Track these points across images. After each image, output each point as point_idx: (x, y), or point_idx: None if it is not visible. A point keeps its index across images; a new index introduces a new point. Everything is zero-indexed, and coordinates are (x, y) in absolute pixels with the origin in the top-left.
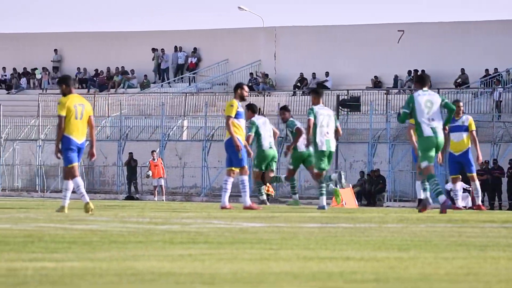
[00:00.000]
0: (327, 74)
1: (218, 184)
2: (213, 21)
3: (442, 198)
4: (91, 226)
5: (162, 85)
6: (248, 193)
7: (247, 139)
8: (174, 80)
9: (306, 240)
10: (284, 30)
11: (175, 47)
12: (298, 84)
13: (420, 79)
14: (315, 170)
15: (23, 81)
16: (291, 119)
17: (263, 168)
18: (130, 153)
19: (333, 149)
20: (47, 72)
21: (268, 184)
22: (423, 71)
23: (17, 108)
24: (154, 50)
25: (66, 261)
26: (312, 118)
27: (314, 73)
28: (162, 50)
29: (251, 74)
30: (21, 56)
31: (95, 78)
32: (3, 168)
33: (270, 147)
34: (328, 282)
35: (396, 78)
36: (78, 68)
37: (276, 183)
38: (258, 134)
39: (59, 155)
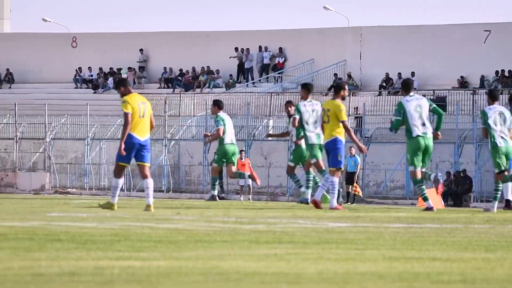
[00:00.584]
0: (412, 74)
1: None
2: (298, 21)
3: (429, 203)
4: (177, 225)
5: (247, 84)
6: (336, 194)
7: (218, 132)
8: (259, 80)
9: (392, 240)
10: (369, 30)
11: (260, 47)
12: (384, 84)
13: (405, 85)
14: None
15: (110, 80)
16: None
17: (222, 163)
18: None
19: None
20: (134, 72)
21: (355, 184)
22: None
23: (104, 108)
24: (236, 49)
25: (152, 260)
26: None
27: (399, 73)
28: (247, 49)
29: (335, 74)
30: (107, 56)
31: (180, 78)
32: (89, 167)
33: (232, 143)
34: (414, 282)
35: (482, 78)
36: (165, 68)
37: (238, 178)
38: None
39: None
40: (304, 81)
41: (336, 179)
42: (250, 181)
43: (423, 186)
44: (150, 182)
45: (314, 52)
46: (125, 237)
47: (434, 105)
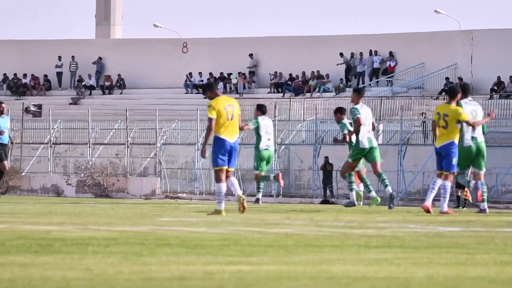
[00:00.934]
0: None
1: (414, 188)
2: (409, 24)
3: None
4: (287, 230)
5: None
6: (447, 199)
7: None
8: (370, 84)
9: (503, 245)
10: (481, 33)
11: (370, 51)
12: (495, 87)
13: (464, 90)
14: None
15: (220, 85)
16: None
17: (262, 168)
18: (326, 157)
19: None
20: (244, 77)
21: (466, 189)
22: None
23: None
24: (341, 54)
25: (261, 265)
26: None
27: (511, 77)
28: (361, 53)
29: (446, 78)
30: (217, 61)
31: (290, 83)
32: (200, 172)
33: (266, 148)
34: None
35: None
36: (275, 73)
37: (265, 182)
38: (257, 135)
39: (206, 155)
40: (414, 85)
41: (448, 184)
42: (361, 187)
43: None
44: (223, 187)
45: (425, 55)
46: (235, 242)
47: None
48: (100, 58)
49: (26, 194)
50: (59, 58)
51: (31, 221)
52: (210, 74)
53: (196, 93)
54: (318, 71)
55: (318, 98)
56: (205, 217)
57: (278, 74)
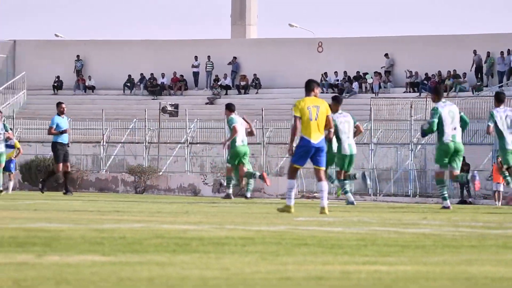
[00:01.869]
0: None
1: None
2: None
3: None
4: (424, 230)
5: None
6: None
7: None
8: (507, 84)
9: None
10: None
11: (508, 50)
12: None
13: (437, 91)
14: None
15: (355, 85)
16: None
17: (236, 163)
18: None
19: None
20: (380, 76)
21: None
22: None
23: (352, 113)
24: (474, 52)
25: (399, 265)
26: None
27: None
28: (501, 52)
29: None
30: (352, 60)
31: (426, 82)
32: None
33: (243, 144)
34: None
35: None
36: (410, 72)
37: (249, 178)
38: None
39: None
40: None
41: None
42: (501, 187)
43: (446, 186)
44: (325, 185)
45: None
46: (372, 242)
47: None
48: (234, 58)
49: (164, 193)
50: (196, 58)
51: (169, 220)
52: (345, 73)
53: (332, 93)
54: (454, 70)
55: (455, 98)
56: (342, 217)
57: (414, 74)
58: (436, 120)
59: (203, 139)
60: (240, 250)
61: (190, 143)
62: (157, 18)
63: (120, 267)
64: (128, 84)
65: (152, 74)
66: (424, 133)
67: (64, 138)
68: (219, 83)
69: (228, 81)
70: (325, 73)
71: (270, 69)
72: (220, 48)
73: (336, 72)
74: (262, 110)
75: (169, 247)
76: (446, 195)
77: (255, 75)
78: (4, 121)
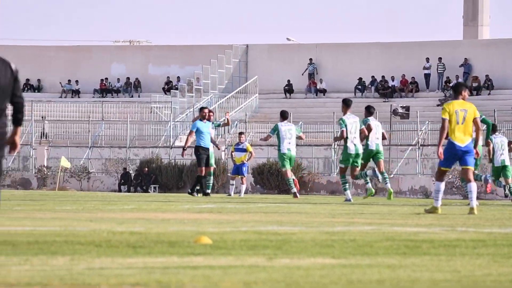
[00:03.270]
0: None
1: None
2: None
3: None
4: None
5: None
6: None
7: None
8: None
9: None
10: None
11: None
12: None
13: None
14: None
15: None
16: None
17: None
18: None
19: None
20: None
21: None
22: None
23: None
24: None
25: None
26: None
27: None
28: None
29: None
30: None
31: None
32: None
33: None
34: None
35: None
36: None
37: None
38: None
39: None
40: None
41: None
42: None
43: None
44: (473, 186)
45: None
46: None
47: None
48: (466, 59)
49: (395, 195)
50: (427, 59)
51: (399, 222)
52: None
53: None
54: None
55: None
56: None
57: None
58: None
59: (435, 141)
60: (471, 252)
61: (421, 145)
62: (388, 20)
63: (350, 270)
64: (359, 86)
65: (383, 76)
66: None
67: (206, 142)
68: (450, 85)
69: None
70: None
71: (503, 70)
72: (452, 50)
73: None
74: (495, 112)
75: (399, 250)
76: None
77: (487, 76)
78: (213, 121)
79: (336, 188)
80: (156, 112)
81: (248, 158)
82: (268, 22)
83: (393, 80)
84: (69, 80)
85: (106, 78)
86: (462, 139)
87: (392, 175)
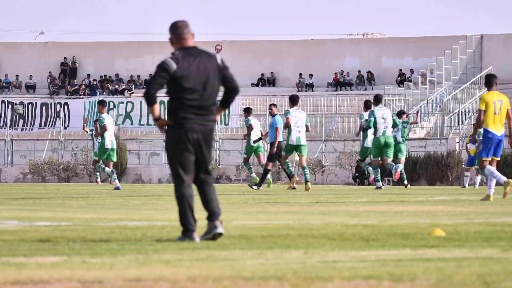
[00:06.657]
0: None
1: None
2: None
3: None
4: None
5: None
6: None
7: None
8: None
9: None
10: None
11: None
12: None
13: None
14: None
15: None
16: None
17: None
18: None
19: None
20: None
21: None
22: None
23: None
24: None
25: None
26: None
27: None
28: None
29: None
30: None
31: None
32: None
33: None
34: None
35: None
36: None
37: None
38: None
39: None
40: None
41: None
42: None
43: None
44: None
45: None
46: None
47: None
48: None
49: None
50: None
51: None
52: None
53: None
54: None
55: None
56: None
57: None
58: None
59: None
60: None
61: None
62: None
63: None
64: None
65: None
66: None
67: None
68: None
69: None
70: None
71: None
72: None
73: None
74: None
75: None
76: None
77: None
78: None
79: None
80: (389, 104)
81: None
82: (503, 12)
83: None
84: (300, 74)
85: (341, 71)
86: (499, 129)
87: None
